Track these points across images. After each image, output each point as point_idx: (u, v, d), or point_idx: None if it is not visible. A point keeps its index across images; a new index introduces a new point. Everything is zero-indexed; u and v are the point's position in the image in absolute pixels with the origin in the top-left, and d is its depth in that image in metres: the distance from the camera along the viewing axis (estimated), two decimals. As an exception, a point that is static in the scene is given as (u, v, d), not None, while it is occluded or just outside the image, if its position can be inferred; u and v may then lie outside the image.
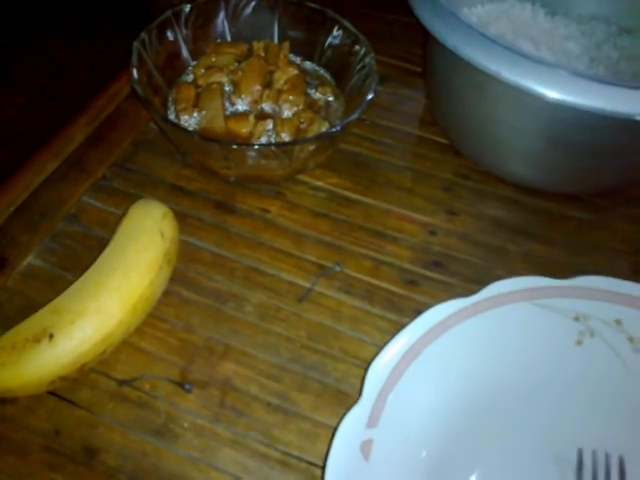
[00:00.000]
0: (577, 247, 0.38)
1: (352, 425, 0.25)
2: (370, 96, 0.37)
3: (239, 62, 0.40)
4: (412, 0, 0.36)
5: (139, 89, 0.35)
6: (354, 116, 0.35)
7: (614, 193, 0.40)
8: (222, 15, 0.42)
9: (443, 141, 0.43)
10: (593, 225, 0.39)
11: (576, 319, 0.30)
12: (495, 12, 0.45)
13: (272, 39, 0.43)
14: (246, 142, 0.37)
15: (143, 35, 0.38)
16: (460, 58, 0.34)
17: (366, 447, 0.25)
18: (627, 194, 0.41)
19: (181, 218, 0.35)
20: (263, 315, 0.33)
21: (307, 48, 0.42)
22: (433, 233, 0.38)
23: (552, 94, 0.32)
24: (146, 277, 0.30)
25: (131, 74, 0.36)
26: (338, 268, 0.36)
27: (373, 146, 0.42)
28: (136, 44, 0.37)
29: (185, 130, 0.36)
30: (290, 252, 0.36)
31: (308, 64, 0.42)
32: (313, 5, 0.42)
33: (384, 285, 0.35)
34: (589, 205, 0.40)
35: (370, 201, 0.39)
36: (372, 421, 0.25)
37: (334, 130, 0.35)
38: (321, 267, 0.36)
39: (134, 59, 0.37)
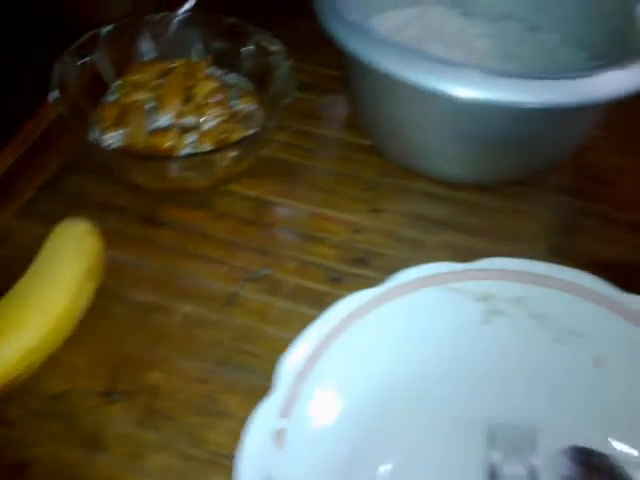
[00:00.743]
0: (496, 234, 0.39)
1: (264, 416, 0.26)
2: (286, 102, 0.38)
3: (161, 79, 0.42)
4: (317, 9, 0.38)
5: (61, 111, 0.36)
6: (270, 123, 0.37)
7: (530, 181, 0.42)
8: (145, 34, 0.43)
9: (366, 143, 0.44)
10: (510, 212, 0.41)
11: (482, 299, 0.31)
12: (409, 17, 0.47)
13: (196, 54, 0.44)
14: (167, 156, 0.38)
15: (65, 57, 0.39)
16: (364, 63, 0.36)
17: (279, 436, 0.26)
18: (543, 181, 0.42)
19: (108, 234, 0.35)
20: (190, 323, 0.34)
21: (230, 61, 0.44)
22: (357, 231, 0.39)
23: (454, 91, 0.34)
24: (68, 292, 0.31)
25: (52, 96, 0.37)
26: (265, 271, 0.37)
27: (298, 152, 0.44)
28: (57, 66, 0.38)
29: (104, 148, 0.37)
30: (217, 260, 0.37)
31: (232, 76, 0.44)
32: (232, 20, 0.43)
33: (309, 284, 0.36)
34: (506, 194, 0.41)
35: (296, 205, 0.41)
36: (285, 411, 0.26)
37: (248, 137, 0.36)
38: (248, 272, 0.37)
39: (55, 81, 0.38)
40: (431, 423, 0.29)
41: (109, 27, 0.41)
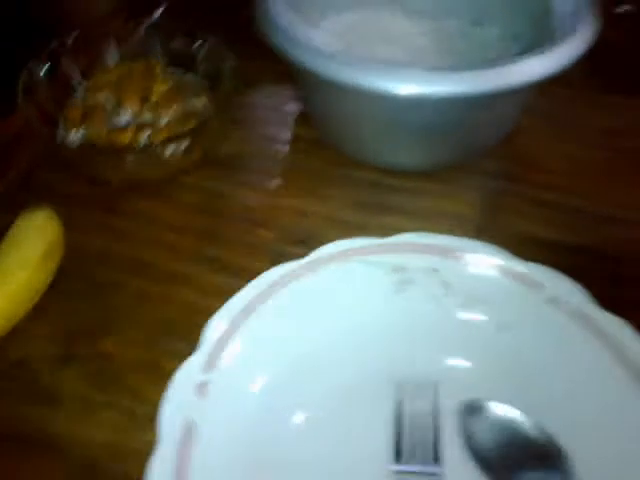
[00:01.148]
0: (431, 216, 0.43)
1: (188, 370, 0.30)
2: (233, 98, 0.42)
3: (121, 81, 0.46)
4: (257, 20, 0.41)
5: (29, 113, 0.41)
6: (212, 117, 0.41)
7: (464, 166, 0.45)
8: (109, 40, 0.48)
9: (315, 135, 0.48)
10: (444, 196, 0.44)
11: (395, 271, 0.35)
12: (355, 19, 0.51)
13: (156, 58, 0.48)
14: (121, 149, 0.42)
15: (33, 62, 0.44)
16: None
17: (202, 388, 0.30)
18: (476, 166, 0.45)
19: (73, 222, 0.40)
20: (141, 298, 0.38)
21: (187, 63, 0.48)
22: (303, 216, 0.43)
23: (381, 86, 0.37)
24: (27, 268, 0.35)
25: (21, 99, 0.41)
26: (213, 252, 0.40)
27: (252, 145, 0.48)
28: (25, 70, 0.43)
29: (69, 146, 0.41)
30: (169, 243, 0.41)
31: (188, 76, 0.48)
32: (189, 25, 0.47)
33: (254, 263, 0.40)
34: (442, 179, 0.45)
35: (246, 193, 0.44)
36: (208, 366, 0.30)
37: (190, 130, 0.40)
38: (197, 253, 0.40)
39: (23, 85, 0.42)
40: (345, 380, 0.33)
41: (75, 33, 0.46)
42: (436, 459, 0.30)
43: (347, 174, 0.46)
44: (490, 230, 0.41)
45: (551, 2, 0.44)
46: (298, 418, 0.31)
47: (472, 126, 0.43)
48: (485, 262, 0.35)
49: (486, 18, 0.51)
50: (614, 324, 0.32)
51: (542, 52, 0.38)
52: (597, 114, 0.50)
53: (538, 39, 0.44)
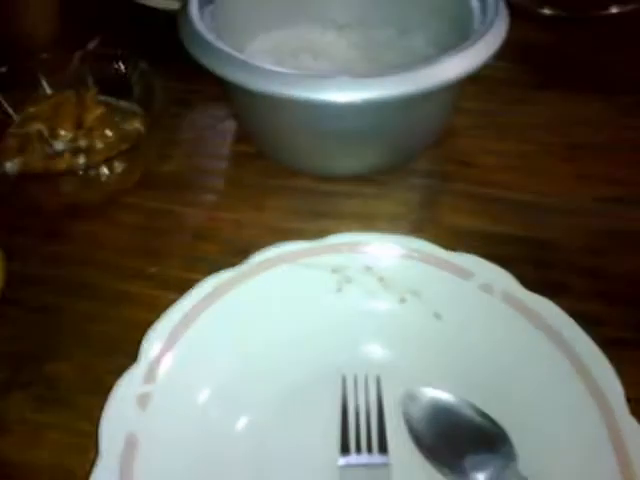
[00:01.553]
0: (367, 218, 0.44)
1: (128, 382, 0.30)
2: (163, 119, 0.43)
3: (55, 110, 0.46)
4: (185, 41, 0.43)
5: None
6: (143, 138, 0.42)
7: (399, 168, 0.47)
8: (40, 72, 0.48)
9: (252, 149, 0.49)
10: (378, 197, 0.45)
11: (334, 271, 0.36)
12: (284, 36, 0.52)
13: (88, 85, 0.48)
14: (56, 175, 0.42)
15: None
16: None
17: (142, 400, 0.30)
18: (410, 167, 0.47)
19: (12, 250, 0.40)
20: (85, 319, 0.38)
21: (120, 88, 0.48)
22: (242, 227, 0.44)
23: (307, 96, 0.39)
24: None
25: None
26: (153, 269, 0.41)
27: (191, 163, 0.48)
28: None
29: (5, 175, 0.42)
30: (113, 264, 0.41)
31: (122, 101, 0.48)
32: (122, 53, 0.48)
33: (195, 276, 0.40)
34: (377, 182, 0.46)
35: (186, 210, 0.45)
36: (149, 378, 0.30)
37: (122, 152, 0.41)
38: (139, 271, 0.41)
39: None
40: (289, 381, 0.33)
41: (3, 69, 0.46)
42: (382, 450, 0.31)
43: (284, 184, 0.47)
44: (425, 226, 0.43)
45: (471, 8, 0.46)
46: (242, 424, 0.32)
47: (401, 129, 0.44)
48: (417, 256, 0.36)
49: (412, 27, 0.53)
50: (541, 304, 0.34)
51: (457, 54, 0.40)
52: (524, 110, 0.52)
53: (460, 44, 0.47)
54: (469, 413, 0.32)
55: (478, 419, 0.32)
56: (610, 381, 0.30)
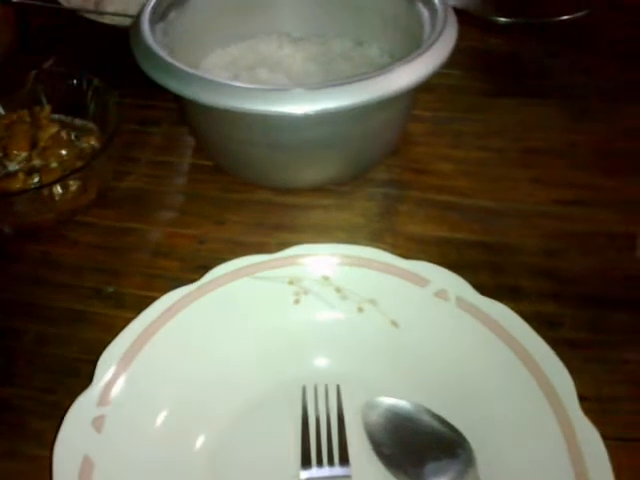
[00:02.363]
0: (326, 229, 0.44)
1: (82, 406, 0.29)
2: (116, 136, 0.43)
3: (8, 130, 0.45)
4: (138, 58, 0.42)
5: None
6: (96, 156, 0.41)
7: (357, 179, 0.47)
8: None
9: (210, 165, 0.49)
10: (337, 208, 0.45)
11: (290, 283, 0.36)
12: (241, 51, 0.53)
13: (42, 104, 0.48)
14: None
15: None
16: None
17: (98, 422, 0.29)
18: (368, 177, 0.47)
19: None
20: (41, 341, 0.38)
21: (75, 107, 0.48)
22: (202, 242, 0.44)
23: (260, 109, 0.39)
24: None
25: None
26: (111, 289, 0.40)
27: (150, 180, 0.48)
28: None
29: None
30: (68, 284, 0.41)
31: (77, 120, 0.48)
32: (76, 72, 0.48)
33: (154, 294, 0.40)
34: (335, 192, 0.46)
35: (146, 227, 0.45)
36: (103, 400, 0.30)
37: (75, 170, 0.41)
38: (96, 291, 0.40)
39: None
40: (248, 395, 0.33)
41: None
42: (344, 461, 0.31)
43: (244, 198, 0.47)
44: (384, 236, 0.43)
45: (422, 18, 0.47)
46: (201, 442, 0.31)
47: (357, 139, 0.44)
48: (373, 265, 0.36)
49: (366, 38, 0.53)
50: (495, 308, 0.34)
51: (408, 62, 0.40)
52: (478, 117, 0.53)
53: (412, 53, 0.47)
54: (428, 420, 0.32)
55: (437, 425, 0.32)
56: (563, 381, 0.30)
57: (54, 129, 0.45)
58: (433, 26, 0.44)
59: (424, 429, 0.32)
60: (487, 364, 0.33)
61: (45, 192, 0.40)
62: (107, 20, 0.57)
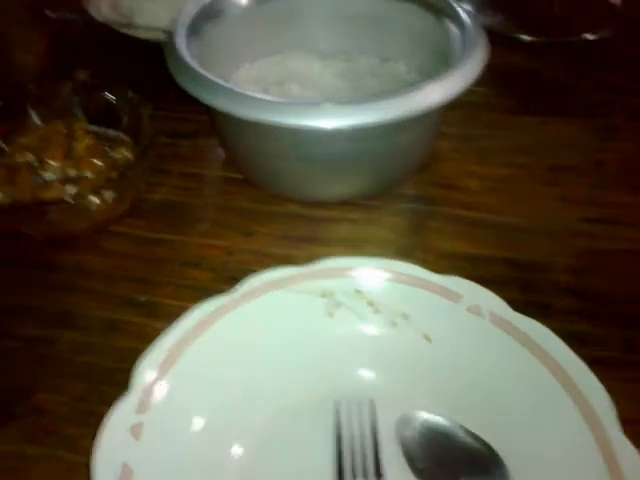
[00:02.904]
0: (354, 243, 0.44)
1: (121, 413, 0.30)
2: (151, 148, 0.43)
3: (44, 141, 0.46)
4: (172, 71, 0.43)
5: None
6: (131, 166, 0.42)
7: (385, 194, 0.48)
8: (29, 103, 0.49)
9: (240, 177, 0.49)
10: (366, 222, 0.46)
11: (323, 295, 0.36)
12: (269, 66, 0.53)
13: (77, 116, 0.49)
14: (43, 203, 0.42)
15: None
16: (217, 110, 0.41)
17: (136, 429, 0.30)
18: (396, 192, 0.48)
19: (1, 280, 0.40)
20: (75, 349, 0.38)
21: (109, 118, 0.49)
22: (231, 254, 0.44)
23: (293, 123, 0.39)
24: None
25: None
26: (143, 298, 0.41)
27: (181, 192, 0.49)
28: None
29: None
30: (102, 292, 0.41)
31: (110, 131, 0.49)
32: (110, 84, 0.49)
33: (185, 304, 0.40)
34: (363, 207, 0.47)
35: (176, 238, 0.45)
36: (142, 407, 0.30)
37: (110, 180, 0.41)
38: (129, 300, 0.41)
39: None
40: (282, 406, 0.33)
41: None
42: (378, 475, 0.31)
43: (273, 210, 0.47)
44: (412, 250, 0.43)
45: (449, 35, 0.48)
46: (236, 451, 0.32)
47: (386, 155, 0.45)
48: (406, 279, 0.37)
49: (394, 54, 0.54)
50: (529, 325, 0.34)
51: (438, 80, 0.41)
52: (505, 135, 0.54)
53: (440, 70, 0.48)
54: (462, 436, 0.32)
55: (471, 442, 0.32)
56: (601, 400, 0.30)
57: (89, 140, 0.46)
58: (463, 44, 0.45)
59: (458, 445, 0.32)
60: (521, 381, 0.33)
61: (81, 202, 0.41)
62: (138, 33, 0.58)
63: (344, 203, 0.47)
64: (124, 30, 0.58)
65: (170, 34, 0.46)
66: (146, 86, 0.48)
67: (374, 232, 0.45)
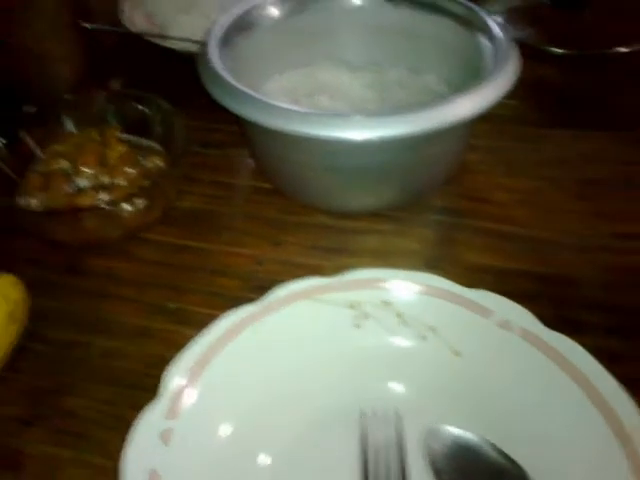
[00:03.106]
0: (382, 254, 0.44)
1: (150, 418, 0.30)
2: (184, 157, 0.44)
3: (79, 148, 0.47)
4: (204, 81, 0.44)
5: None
6: (163, 175, 0.43)
7: (412, 205, 0.48)
8: (64, 111, 0.50)
9: (269, 186, 0.50)
10: (393, 234, 0.46)
11: (352, 307, 0.36)
12: (299, 77, 0.54)
13: (111, 124, 0.50)
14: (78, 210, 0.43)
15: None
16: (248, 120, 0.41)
17: (165, 435, 0.30)
18: (423, 204, 0.48)
19: (35, 285, 0.40)
20: (106, 354, 0.39)
21: (142, 127, 0.50)
22: (260, 263, 0.44)
23: (324, 134, 0.39)
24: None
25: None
26: (173, 305, 0.41)
27: (211, 200, 0.49)
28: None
29: (29, 211, 0.43)
30: (131, 298, 0.42)
31: (143, 140, 0.50)
32: (142, 94, 0.50)
33: (214, 312, 0.41)
34: (391, 218, 0.47)
35: (206, 246, 0.46)
36: (171, 413, 0.31)
37: (143, 188, 0.42)
38: (159, 307, 0.41)
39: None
40: (309, 416, 0.34)
41: (32, 109, 0.48)
42: (404, 487, 0.31)
43: (301, 220, 0.47)
44: (440, 263, 0.43)
45: (480, 47, 0.48)
46: (263, 459, 0.32)
47: (415, 166, 0.45)
48: (435, 292, 0.36)
49: (423, 66, 0.54)
50: (560, 341, 0.34)
51: (469, 93, 0.41)
52: (534, 148, 0.53)
53: (470, 82, 0.48)
54: (490, 452, 0.32)
55: (499, 458, 0.32)
56: (632, 418, 0.30)
57: (122, 148, 0.47)
58: (494, 57, 0.45)
59: (485, 460, 0.32)
60: (552, 398, 0.33)
61: (114, 209, 0.42)
62: (171, 44, 0.59)
63: (372, 214, 0.47)
64: (157, 41, 0.59)
65: (203, 45, 0.47)
66: (178, 96, 0.49)
67: (402, 244, 0.45)
